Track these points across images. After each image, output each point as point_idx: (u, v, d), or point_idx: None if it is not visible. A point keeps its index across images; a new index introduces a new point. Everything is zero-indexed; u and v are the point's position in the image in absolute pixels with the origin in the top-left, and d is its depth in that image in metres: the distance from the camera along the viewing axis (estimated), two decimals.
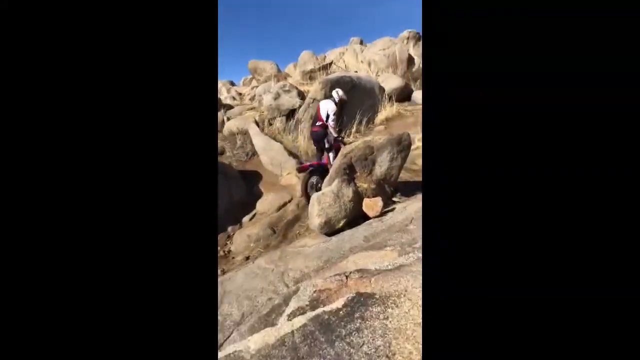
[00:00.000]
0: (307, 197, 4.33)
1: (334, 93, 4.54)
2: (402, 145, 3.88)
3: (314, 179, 4.41)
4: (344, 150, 3.91)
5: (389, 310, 1.17)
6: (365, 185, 3.68)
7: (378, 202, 3.33)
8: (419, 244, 1.78)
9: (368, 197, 3.53)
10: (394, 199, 3.89)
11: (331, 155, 4.41)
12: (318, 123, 4.48)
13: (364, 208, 3.34)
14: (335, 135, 4.42)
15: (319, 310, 1.29)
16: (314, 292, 1.51)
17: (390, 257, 1.78)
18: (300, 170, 4.64)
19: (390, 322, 1.12)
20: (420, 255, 1.63)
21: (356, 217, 3.25)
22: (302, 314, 1.34)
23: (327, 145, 4.47)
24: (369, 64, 11.62)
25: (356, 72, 10.04)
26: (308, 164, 4.62)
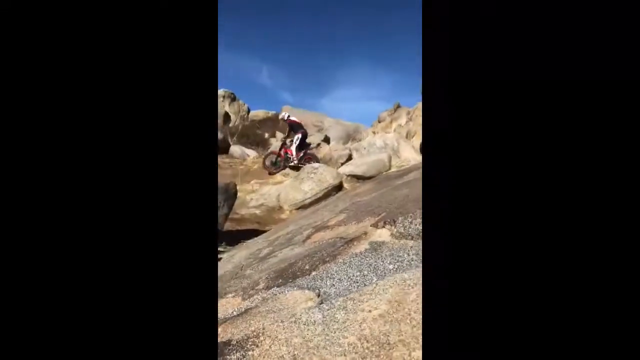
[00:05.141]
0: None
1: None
2: (228, 194, 3.92)
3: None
4: None
5: (250, 352, 1.13)
6: None
7: None
8: (262, 285, 1.81)
9: None
10: (220, 248, 3.77)
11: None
12: None
13: None
14: None
15: None
16: None
17: (234, 304, 1.72)
18: None
19: None
20: (265, 296, 1.67)
21: None
22: None
23: None
24: None
25: None
26: None
